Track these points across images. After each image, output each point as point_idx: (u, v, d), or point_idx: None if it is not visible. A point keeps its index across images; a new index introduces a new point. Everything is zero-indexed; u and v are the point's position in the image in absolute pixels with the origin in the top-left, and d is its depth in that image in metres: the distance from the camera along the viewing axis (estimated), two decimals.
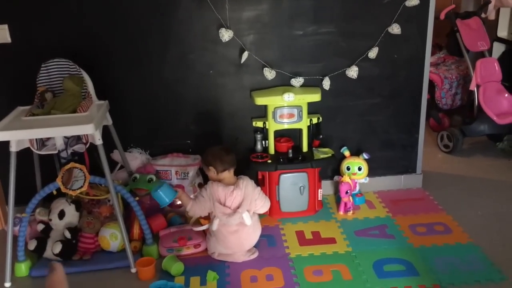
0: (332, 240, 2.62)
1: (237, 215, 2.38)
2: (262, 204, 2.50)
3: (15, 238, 2.46)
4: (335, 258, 2.46)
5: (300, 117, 2.81)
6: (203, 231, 2.57)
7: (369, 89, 2.97)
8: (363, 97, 2.98)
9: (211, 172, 2.48)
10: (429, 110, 3.50)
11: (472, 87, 3.58)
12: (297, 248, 2.56)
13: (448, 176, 3.36)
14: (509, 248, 2.50)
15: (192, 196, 2.64)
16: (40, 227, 2.58)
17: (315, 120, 2.88)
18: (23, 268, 2.46)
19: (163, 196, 2.38)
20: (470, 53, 3.68)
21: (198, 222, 2.63)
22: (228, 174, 2.47)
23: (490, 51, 3.87)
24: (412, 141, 3.11)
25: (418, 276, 2.29)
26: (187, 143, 2.99)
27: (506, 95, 3.56)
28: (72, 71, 2.57)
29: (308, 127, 2.86)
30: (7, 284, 2.39)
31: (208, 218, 2.55)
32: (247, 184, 2.44)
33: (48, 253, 2.52)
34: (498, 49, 4.07)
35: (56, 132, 2.26)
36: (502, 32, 4.15)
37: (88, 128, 2.23)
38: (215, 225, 2.42)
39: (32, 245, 2.52)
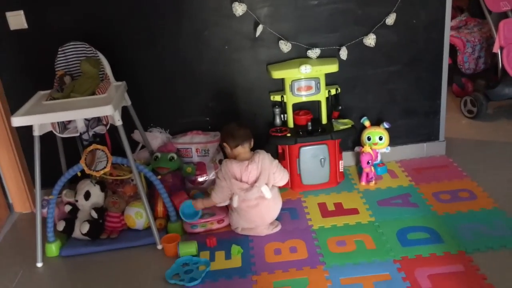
0: (354, 211, 2.62)
1: (255, 189, 2.39)
2: (281, 177, 2.50)
3: (44, 220, 2.54)
4: (358, 228, 2.46)
5: (318, 89, 2.78)
6: (226, 206, 2.59)
7: (388, 56, 2.91)
8: (382, 65, 2.92)
9: (227, 149, 2.50)
10: (452, 76, 3.42)
11: (496, 49, 3.47)
12: (320, 220, 2.57)
13: (472, 142, 3.30)
14: None
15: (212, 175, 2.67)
16: (68, 208, 2.64)
17: (333, 91, 2.85)
18: (53, 249, 2.54)
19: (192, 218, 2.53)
20: (492, 14, 3.56)
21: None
22: (243, 150, 2.46)
23: None
24: (434, 108, 3.05)
25: (443, 243, 2.28)
26: (206, 121, 3.00)
27: None
28: (89, 54, 2.59)
29: (327, 98, 2.83)
30: (39, 264, 2.47)
31: None
32: (263, 158, 2.44)
33: (76, 233, 2.59)
34: None
35: (75, 114, 2.29)
36: None
37: (107, 109, 2.25)
38: (235, 201, 2.44)
39: (61, 226, 2.59)
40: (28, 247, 2.55)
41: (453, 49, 3.64)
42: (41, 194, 2.48)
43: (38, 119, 2.28)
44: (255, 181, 2.41)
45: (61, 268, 2.47)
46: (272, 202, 2.48)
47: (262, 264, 2.27)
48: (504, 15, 3.55)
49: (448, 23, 2.87)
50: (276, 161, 2.50)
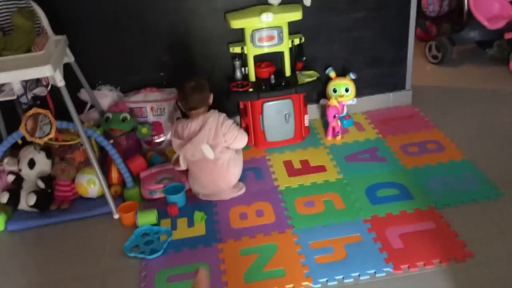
0: (322, 168, 2.50)
1: (189, 145, 2.23)
2: (235, 138, 2.30)
3: None
4: (326, 187, 2.36)
5: (280, 39, 2.57)
6: (186, 171, 2.42)
7: (353, 2, 2.71)
8: (347, 11, 2.73)
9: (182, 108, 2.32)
10: (415, 19, 3.28)
11: None
12: (286, 180, 2.45)
13: (438, 89, 3.21)
14: (504, 161, 2.41)
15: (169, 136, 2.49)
16: (11, 178, 2.42)
17: (297, 41, 2.65)
18: None
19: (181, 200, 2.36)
20: None
21: (178, 160, 2.48)
22: (195, 112, 2.28)
23: None
24: (400, 56, 2.92)
25: (413, 200, 2.21)
26: (160, 76, 2.76)
27: None
28: (21, 4, 2.29)
29: (290, 49, 2.63)
30: None
31: None
32: (209, 116, 2.25)
33: (23, 205, 2.38)
34: None
35: (8, 77, 2.01)
36: None
37: (46, 69, 1.99)
38: (181, 161, 2.30)
39: (4, 197, 2.36)
40: None
41: None
42: None
43: None
44: (190, 138, 2.25)
45: (7, 245, 2.27)
46: (225, 166, 2.30)
47: (227, 231, 2.15)
48: None
49: None
50: (230, 121, 2.31)
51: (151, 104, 2.68)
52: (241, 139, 2.34)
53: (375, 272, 1.86)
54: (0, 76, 1.99)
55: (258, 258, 1.98)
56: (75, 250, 2.17)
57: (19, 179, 2.41)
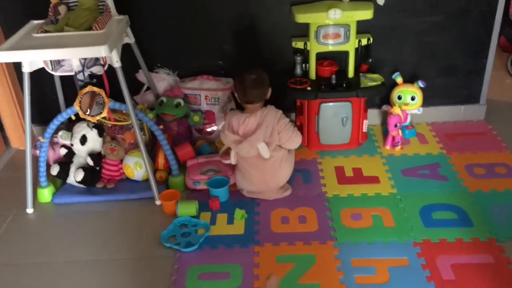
0: (375, 179, 2.35)
1: (246, 143, 2.14)
2: (289, 138, 2.20)
3: (37, 162, 2.35)
4: (377, 201, 2.21)
5: (347, 37, 2.42)
6: (232, 165, 2.35)
7: (432, 5, 2.51)
8: (424, 14, 2.53)
9: (238, 99, 2.24)
10: (501, 27, 3.00)
11: None
12: (335, 187, 2.32)
13: None
14: None
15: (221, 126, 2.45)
16: (63, 151, 2.45)
17: (364, 41, 2.48)
18: (45, 194, 2.37)
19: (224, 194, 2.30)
20: None
21: (227, 153, 2.41)
22: (252, 106, 2.19)
23: None
24: (478, 66, 2.68)
25: (472, 228, 2.02)
26: (218, 64, 2.69)
27: None
28: None
29: (356, 49, 2.48)
30: (29, 210, 2.31)
31: None
32: (267, 114, 2.16)
33: (71, 179, 2.41)
34: None
35: (66, 53, 2.01)
36: None
37: (102, 49, 1.96)
38: (232, 156, 2.23)
39: (55, 170, 2.40)
40: (22, 189, 2.35)
41: None
42: (31, 135, 2.25)
43: (24, 55, 2.01)
44: (247, 135, 2.16)
45: (52, 216, 2.30)
46: (277, 165, 2.21)
47: (266, 234, 2.06)
48: None
49: None
50: (286, 120, 2.21)
51: (206, 92, 2.62)
52: (294, 139, 2.24)
53: None
54: (58, 52, 1.99)
55: (294, 267, 1.87)
56: (114, 231, 2.16)
57: (70, 153, 2.44)
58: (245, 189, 2.28)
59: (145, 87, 2.70)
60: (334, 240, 2.00)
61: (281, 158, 2.22)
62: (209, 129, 2.66)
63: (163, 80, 2.66)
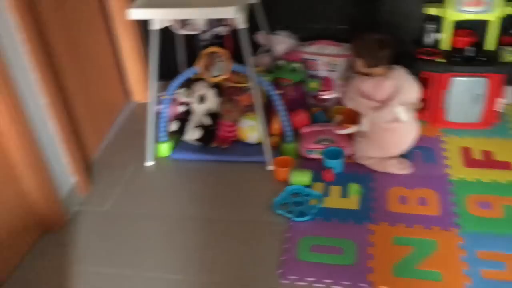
0: (507, 165, 2.13)
1: (388, 108, 2.04)
2: (412, 94, 2.11)
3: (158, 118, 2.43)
4: (510, 190, 2.01)
5: (491, 5, 2.16)
6: (347, 135, 2.25)
7: None
8: None
9: (359, 65, 2.11)
10: None
11: None
12: (461, 170, 2.14)
13: None
14: None
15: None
16: (182, 109, 2.50)
17: (511, 11, 2.21)
18: (164, 149, 2.45)
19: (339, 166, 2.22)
20: None
21: (342, 124, 2.32)
22: (379, 70, 2.08)
23: None
24: None
25: None
26: (341, 29, 2.56)
27: None
28: None
29: (500, 19, 2.21)
30: (149, 163, 2.41)
31: (352, 122, 2.22)
32: (401, 76, 2.07)
33: (187, 137, 2.46)
34: None
35: (194, 13, 2.02)
36: None
37: (230, 11, 1.93)
38: (365, 124, 2.13)
39: (175, 126, 2.47)
40: (141, 141, 2.45)
41: None
42: (156, 91, 2.32)
43: (156, 13, 2.05)
44: (388, 100, 2.05)
45: (169, 171, 2.39)
46: (409, 127, 2.12)
47: (382, 212, 1.97)
48: None
49: None
50: (411, 77, 2.11)
51: (325, 58, 2.52)
52: (416, 90, 2.12)
53: None
54: (185, 12, 2.00)
55: (413, 252, 1.78)
56: (227, 191, 2.20)
57: (188, 111, 2.49)
58: (368, 155, 2.18)
59: (263, 49, 2.65)
60: (458, 228, 1.86)
61: (410, 120, 2.12)
62: (325, 97, 2.57)
63: (282, 42, 2.59)
